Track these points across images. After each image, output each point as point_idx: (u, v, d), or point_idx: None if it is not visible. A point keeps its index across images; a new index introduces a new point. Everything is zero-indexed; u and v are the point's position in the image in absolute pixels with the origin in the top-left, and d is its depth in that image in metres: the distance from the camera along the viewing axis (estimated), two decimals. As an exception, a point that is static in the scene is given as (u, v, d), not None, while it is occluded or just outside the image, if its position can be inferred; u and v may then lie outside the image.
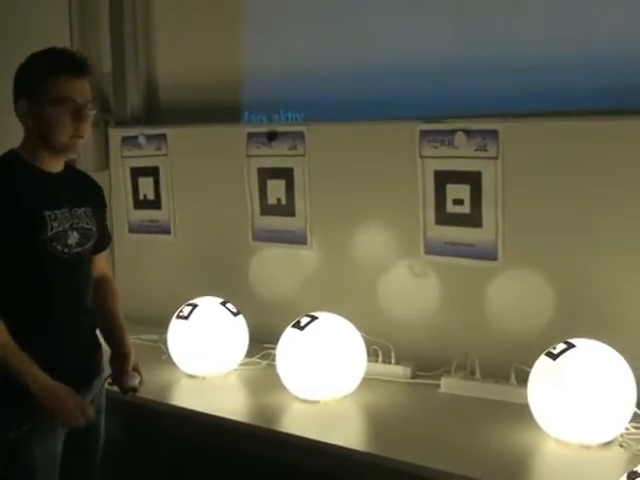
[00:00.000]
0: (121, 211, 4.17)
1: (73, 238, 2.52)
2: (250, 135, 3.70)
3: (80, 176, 2.70)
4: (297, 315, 3.07)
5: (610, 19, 2.95)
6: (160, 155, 4.02)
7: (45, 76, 2.42)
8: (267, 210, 3.69)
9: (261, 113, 3.89)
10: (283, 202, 3.63)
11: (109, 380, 2.68)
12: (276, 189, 3.65)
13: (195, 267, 3.95)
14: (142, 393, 2.75)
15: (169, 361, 3.35)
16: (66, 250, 2.50)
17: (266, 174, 3.67)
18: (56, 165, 2.54)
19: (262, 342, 3.40)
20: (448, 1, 3.33)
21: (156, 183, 4.06)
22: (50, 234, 2.45)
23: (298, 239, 3.61)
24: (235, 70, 3.95)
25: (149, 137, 4.04)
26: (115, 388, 2.68)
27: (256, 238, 3.75)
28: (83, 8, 4.32)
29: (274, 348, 3.14)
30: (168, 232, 4.05)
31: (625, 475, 1.76)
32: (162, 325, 3.47)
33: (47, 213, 2.46)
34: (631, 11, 2.90)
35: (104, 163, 4.22)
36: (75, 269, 2.56)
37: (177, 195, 4.01)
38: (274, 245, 3.71)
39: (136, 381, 2.65)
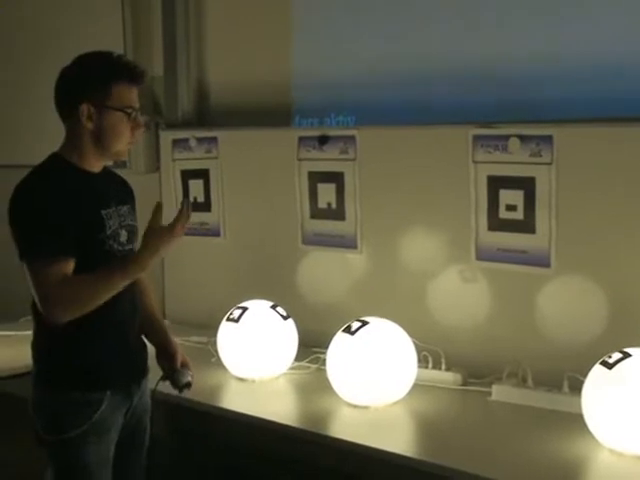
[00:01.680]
0: (171, 214, 4.16)
1: (124, 236, 2.56)
2: (301, 139, 3.70)
3: (115, 175, 2.73)
4: (346, 320, 3.06)
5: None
6: (210, 158, 4.04)
7: (111, 82, 2.45)
8: (317, 214, 3.69)
9: (312, 117, 3.88)
10: (333, 206, 3.63)
11: (161, 378, 2.69)
12: (327, 193, 3.64)
13: (244, 270, 3.95)
14: (191, 395, 2.78)
15: (218, 364, 3.36)
16: (120, 248, 2.54)
17: (317, 178, 3.67)
18: (99, 166, 2.57)
19: (311, 346, 3.41)
20: (501, 5, 3.29)
21: (206, 185, 4.08)
22: (108, 233, 2.49)
23: (348, 243, 3.60)
24: (286, 73, 3.95)
25: (200, 140, 4.05)
26: (168, 387, 2.69)
27: (306, 242, 3.74)
28: (136, 11, 4.37)
29: (323, 352, 3.15)
30: (218, 234, 4.06)
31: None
32: (211, 328, 3.49)
33: (103, 212, 2.49)
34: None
35: (155, 165, 4.25)
36: None
37: (227, 198, 4.02)
38: (324, 249, 3.70)
39: (189, 377, 2.67)
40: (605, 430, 2.52)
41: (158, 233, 2.44)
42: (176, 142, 4.15)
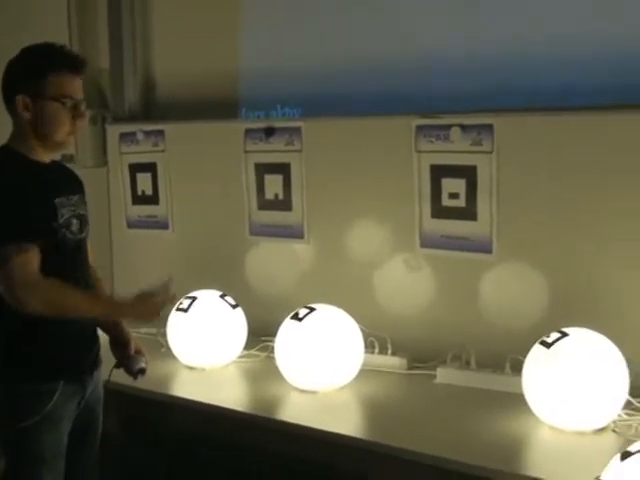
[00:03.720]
0: (119, 207, 4.21)
1: (75, 225, 2.57)
2: (248, 131, 3.75)
3: (64, 167, 2.74)
4: (295, 308, 3.12)
5: (606, 19, 2.98)
6: (158, 151, 4.07)
7: (46, 72, 2.46)
8: (264, 205, 3.74)
9: (259, 109, 3.93)
10: (280, 197, 3.68)
11: (115, 366, 2.72)
12: (274, 184, 3.70)
13: (193, 261, 3.98)
14: (142, 384, 2.80)
15: (168, 354, 3.40)
16: (72, 237, 2.55)
17: (264, 169, 3.72)
18: (47, 157, 2.59)
19: (260, 335, 3.45)
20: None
21: (154, 179, 4.10)
22: (61, 221, 2.51)
23: (295, 233, 3.66)
24: (233, 66, 3.99)
25: (147, 133, 4.08)
26: (121, 376, 2.72)
27: (253, 232, 3.80)
28: (81, 5, 4.38)
29: (272, 340, 3.20)
30: (166, 227, 4.09)
31: (618, 455, 1.81)
32: (160, 319, 3.49)
33: (57, 201, 2.51)
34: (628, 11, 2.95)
35: (102, 159, 4.26)
36: (80, 255, 2.62)
37: (175, 191, 4.05)
38: (271, 239, 3.75)
39: (142, 363, 2.70)
40: (544, 407, 2.61)
41: (151, 304, 2.55)
42: (123, 136, 4.17)
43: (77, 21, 4.35)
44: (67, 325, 2.55)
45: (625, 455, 1.77)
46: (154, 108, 4.30)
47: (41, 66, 2.47)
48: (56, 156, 2.67)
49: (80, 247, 2.61)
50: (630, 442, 2.36)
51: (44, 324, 2.48)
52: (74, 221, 2.57)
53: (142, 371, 2.72)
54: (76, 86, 2.51)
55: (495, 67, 3.19)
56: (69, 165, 2.81)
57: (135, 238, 4.21)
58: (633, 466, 1.73)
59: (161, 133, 4.04)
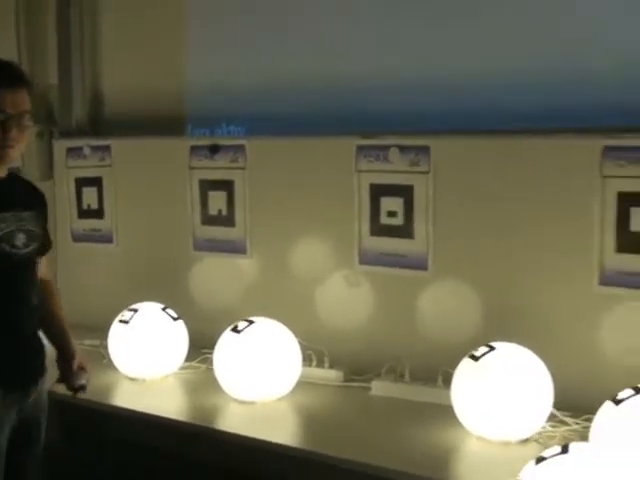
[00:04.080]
0: (65, 220, 4.25)
1: (20, 239, 2.61)
2: (193, 148, 3.83)
3: (24, 182, 2.79)
4: (236, 322, 3.19)
5: (542, 45, 3.11)
6: (104, 166, 4.13)
7: None
8: (208, 220, 3.81)
9: (204, 127, 4.01)
10: (224, 213, 3.76)
11: (58, 380, 2.77)
12: (217, 200, 3.77)
13: (137, 275, 4.04)
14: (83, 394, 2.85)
15: (110, 365, 3.44)
16: (14, 251, 2.59)
17: (208, 186, 3.80)
18: (1, 172, 2.63)
19: (201, 347, 3.51)
20: (385, 21, 3.47)
21: (100, 193, 4.16)
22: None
23: (238, 249, 3.74)
24: (179, 84, 4.07)
25: (94, 148, 4.14)
26: (64, 388, 2.77)
27: (197, 248, 3.87)
28: (30, 20, 4.42)
29: (212, 353, 3.26)
30: (110, 241, 4.15)
31: (534, 460, 1.91)
32: (103, 331, 3.56)
33: None
34: (552, 34, 3.08)
35: (48, 173, 4.30)
36: (22, 270, 2.65)
37: (120, 205, 4.11)
38: (215, 254, 3.83)
39: (83, 379, 2.75)
40: (472, 419, 2.71)
41: None
42: (70, 150, 4.22)
43: (25, 37, 4.39)
44: (8, 334, 2.60)
45: (539, 460, 1.87)
46: (101, 123, 4.36)
47: None
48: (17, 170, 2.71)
49: (25, 262, 2.65)
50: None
51: None
52: (19, 235, 2.61)
53: (82, 388, 2.78)
54: (9, 99, 2.52)
55: (433, 91, 3.30)
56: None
57: (80, 251, 4.26)
58: (546, 470, 1.83)
59: (108, 148, 4.10)
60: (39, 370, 2.75)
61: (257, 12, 3.81)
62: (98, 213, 4.16)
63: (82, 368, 2.79)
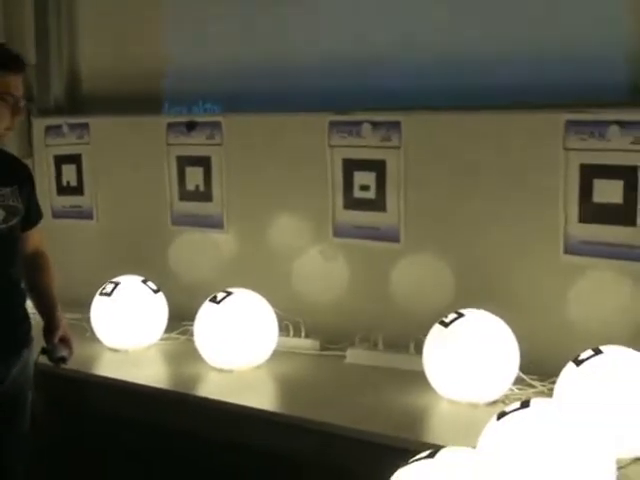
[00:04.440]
0: (45, 197, 4.30)
1: (0, 215, 2.69)
2: (170, 125, 3.91)
3: (6, 157, 2.86)
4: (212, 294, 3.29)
5: (510, 21, 3.21)
6: (83, 143, 4.20)
7: None
8: (186, 196, 3.90)
9: (181, 105, 4.09)
10: (201, 188, 3.85)
11: (41, 351, 2.84)
12: (195, 176, 3.86)
13: (116, 251, 4.12)
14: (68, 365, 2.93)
15: (92, 337, 3.53)
16: None
17: (185, 162, 3.88)
18: None
19: (180, 319, 3.62)
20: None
21: (79, 170, 4.24)
22: None
23: (215, 223, 3.83)
24: (156, 62, 4.14)
25: (72, 126, 4.21)
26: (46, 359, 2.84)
27: (175, 222, 3.96)
28: (7, 0, 4.47)
29: (192, 325, 3.36)
30: (91, 217, 4.23)
31: (496, 415, 2.03)
32: (84, 305, 3.64)
33: None
34: (531, 15, 3.18)
35: (28, 151, 4.36)
36: (2, 243, 2.73)
37: (99, 182, 4.19)
38: (192, 229, 3.92)
39: (65, 351, 2.82)
40: (442, 382, 2.83)
41: None
42: (49, 128, 4.29)
43: (2, 15, 4.44)
44: None
45: (501, 415, 1.98)
46: (79, 102, 4.42)
47: None
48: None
49: (7, 236, 2.73)
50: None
51: None
52: None
53: (62, 359, 2.82)
54: (16, 83, 2.64)
55: (403, 68, 3.40)
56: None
57: (60, 228, 4.32)
58: (507, 423, 1.95)
59: (86, 126, 4.17)
60: (22, 340, 2.84)
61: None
62: (77, 190, 4.24)
63: (65, 340, 2.86)
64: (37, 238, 2.95)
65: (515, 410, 1.96)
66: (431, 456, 1.68)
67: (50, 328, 2.86)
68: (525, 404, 1.96)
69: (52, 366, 2.89)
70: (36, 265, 2.92)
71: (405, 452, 2.50)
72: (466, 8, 3.31)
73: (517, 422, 1.93)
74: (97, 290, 3.60)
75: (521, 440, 1.89)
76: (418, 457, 1.71)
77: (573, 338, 2.92)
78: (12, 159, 2.90)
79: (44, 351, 2.83)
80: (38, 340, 2.88)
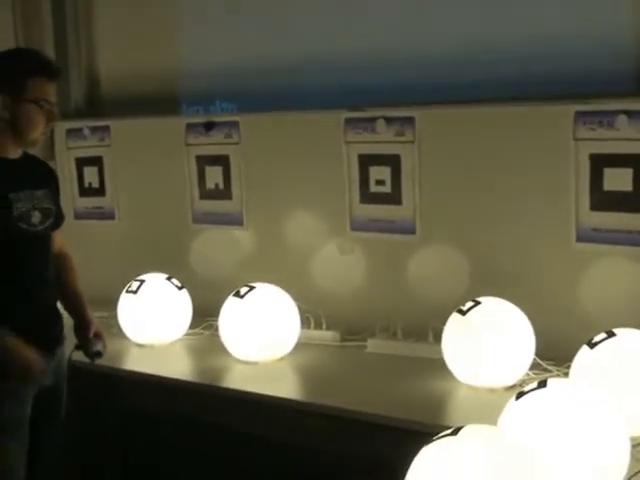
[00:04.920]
0: (67, 199, 4.41)
1: (36, 217, 2.80)
2: (189, 126, 4.01)
3: (37, 161, 2.98)
4: (235, 290, 3.38)
5: (523, 16, 3.29)
6: (104, 146, 4.31)
7: (27, 76, 2.69)
8: (206, 194, 4.00)
9: (198, 104, 4.19)
10: (221, 187, 3.95)
11: (75, 347, 2.95)
12: (214, 175, 3.96)
13: (138, 250, 4.22)
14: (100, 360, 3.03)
15: (119, 334, 3.63)
16: (31, 228, 2.78)
17: (204, 161, 3.98)
18: (16, 153, 2.82)
19: (203, 315, 3.72)
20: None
21: (100, 172, 4.34)
22: (15, 214, 2.73)
23: (235, 220, 3.93)
24: (173, 64, 4.25)
25: (93, 129, 4.31)
26: (82, 355, 2.95)
27: (196, 221, 4.06)
28: (26, 3, 4.57)
29: (215, 320, 3.47)
30: (112, 217, 4.33)
31: (514, 395, 2.12)
32: (109, 303, 3.73)
33: (11, 195, 2.74)
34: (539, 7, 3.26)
35: (50, 154, 4.46)
36: (39, 245, 2.84)
37: (120, 183, 4.30)
38: (213, 227, 4.02)
39: (99, 346, 2.93)
40: (461, 368, 2.92)
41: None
42: (70, 131, 4.39)
43: (22, 19, 4.54)
44: (22, 304, 2.77)
45: (519, 395, 2.08)
46: (99, 104, 4.53)
47: (21, 71, 2.70)
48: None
49: (42, 237, 2.84)
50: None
51: (6, 299, 2.72)
52: (35, 213, 2.79)
53: (98, 354, 2.93)
54: (52, 90, 2.75)
55: (417, 63, 3.49)
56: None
57: (83, 228, 4.42)
58: (525, 402, 2.04)
59: (107, 129, 4.27)
60: (57, 339, 2.93)
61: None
62: (99, 191, 4.34)
63: (98, 335, 2.97)
64: (61, 239, 3.06)
65: (533, 390, 2.05)
66: (454, 433, 1.77)
67: (82, 325, 2.96)
68: (542, 384, 2.05)
69: (84, 362, 2.99)
70: (63, 266, 3.03)
71: (428, 435, 2.61)
72: (472, 4, 3.38)
73: (535, 401, 2.02)
74: (120, 288, 3.69)
75: (539, 418, 1.98)
76: (441, 435, 1.80)
77: (586, 323, 3.00)
78: (42, 163, 3.01)
79: (79, 347, 2.93)
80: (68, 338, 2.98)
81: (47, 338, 2.88)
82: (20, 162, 2.84)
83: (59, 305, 3.00)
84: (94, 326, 2.97)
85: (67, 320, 3.02)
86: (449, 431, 1.80)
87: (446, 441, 1.76)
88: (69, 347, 2.97)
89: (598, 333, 2.66)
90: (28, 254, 2.80)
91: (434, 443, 1.79)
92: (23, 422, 2.80)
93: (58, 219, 2.97)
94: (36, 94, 2.71)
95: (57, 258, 2.99)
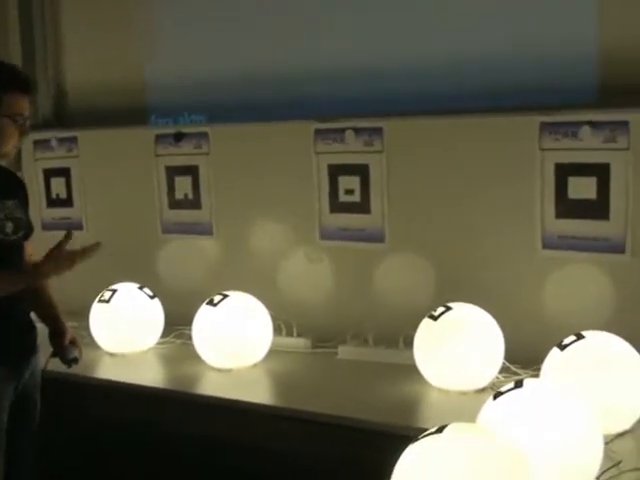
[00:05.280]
0: (35, 210, 4.38)
1: (9, 227, 2.80)
2: (158, 136, 4.04)
3: (6, 172, 2.96)
4: (206, 299, 3.42)
5: (490, 28, 3.38)
6: (72, 157, 4.32)
7: (3, 91, 2.68)
8: (175, 204, 4.04)
9: (167, 116, 4.22)
10: (190, 197, 3.98)
11: (52, 355, 2.96)
12: (183, 185, 4.00)
13: (107, 260, 4.16)
14: (68, 370, 3.04)
15: (91, 343, 3.63)
16: (4, 238, 2.79)
17: (173, 172, 4.02)
18: None
19: (174, 324, 3.75)
20: (336, 10, 3.71)
21: (68, 183, 4.35)
22: None
23: (204, 230, 3.97)
24: (141, 76, 4.29)
25: (60, 140, 4.33)
26: (58, 363, 2.96)
27: (165, 230, 4.09)
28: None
29: (186, 329, 3.52)
30: (80, 228, 4.34)
31: (492, 396, 2.19)
32: (78, 313, 3.72)
33: None
34: (506, 21, 3.35)
35: (17, 165, 4.44)
36: (12, 256, 2.85)
37: (89, 193, 4.31)
38: (182, 236, 4.05)
39: (76, 352, 2.96)
40: (433, 372, 2.98)
41: (61, 259, 2.76)
42: (37, 143, 4.40)
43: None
44: (1, 316, 2.79)
45: (497, 395, 2.14)
46: (66, 116, 4.54)
47: None
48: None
49: (16, 247, 2.85)
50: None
51: None
52: (8, 224, 2.80)
53: (75, 360, 2.97)
54: (26, 105, 2.75)
55: (385, 75, 3.57)
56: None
57: (50, 239, 4.38)
58: (503, 402, 2.11)
59: (74, 140, 4.29)
60: (32, 349, 2.94)
61: (215, 3, 4.04)
62: (67, 202, 4.35)
63: (73, 342, 3.00)
64: (31, 249, 3.06)
65: (510, 390, 2.12)
66: (439, 431, 1.83)
67: (57, 333, 2.98)
68: (519, 384, 2.12)
69: (57, 371, 3.01)
70: None
71: (404, 437, 2.66)
72: (442, 16, 3.47)
73: (513, 400, 2.09)
74: (89, 298, 3.70)
75: (517, 416, 2.04)
76: (427, 433, 1.86)
77: (552, 327, 3.08)
78: (11, 173, 3.00)
79: (55, 354, 2.95)
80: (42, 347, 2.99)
81: (23, 347, 2.89)
82: None
83: (32, 315, 3.01)
84: (69, 333, 2.99)
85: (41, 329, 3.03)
86: (434, 429, 1.85)
87: (432, 439, 1.81)
88: (43, 356, 2.98)
89: (564, 336, 2.73)
90: (2, 263, 2.80)
91: (420, 442, 1.84)
92: (1, 430, 2.80)
93: (28, 230, 2.98)
94: (12, 109, 2.70)
95: None
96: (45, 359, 2.96)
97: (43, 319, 3.03)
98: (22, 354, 2.89)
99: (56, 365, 2.99)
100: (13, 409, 2.84)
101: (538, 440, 2.00)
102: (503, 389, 2.15)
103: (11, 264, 2.84)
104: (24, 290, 2.89)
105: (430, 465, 1.78)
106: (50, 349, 2.99)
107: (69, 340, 2.98)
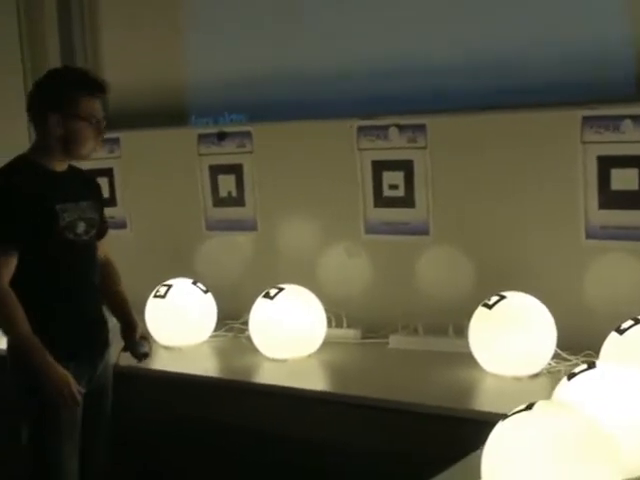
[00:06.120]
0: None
1: (81, 227, 2.92)
2: (200, 136, 4.14)
3: (81, 174, 3.09)
4: (252, 294, 3.55)
5: (530, 25, 3.48)
6: (114, 157, 4.42)
7: (79, 95, 2.83)
8: (219, 202, 4.14)
9: (207, 116, 4.32)
10: (234, 194, 4.09)
11: (123, 349, 3.07)
12: (227, 183, 4.10)
13: (151, 258, 4.34)
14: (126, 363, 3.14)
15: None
16: (77, 238, 2.90)
17: (217, 170, 4.13)
18: (63, 166, 2.95)
19: (223, 318, 3.86)
20: (383, 9, 3.79)
21: (111, 183, 4.45)
22: (62, 224, 2.85)
23: (248, 227, 4.08)
24: (181, 76, 4.40)
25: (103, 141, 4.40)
26: (129, 357, 3.07)
27: (209, 228, 4.19)
28: (31, 19, 4.67)
29: (237, 322, 3.64)
30: (124, 227, 4.44)
31: (566, 377, 2.30)
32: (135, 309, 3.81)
33: (58, 207, 2.85)
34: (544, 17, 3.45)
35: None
36: (84, 254, 2.96)
37: (132, 193, 4.42)
38: (226, 233, 4.16)
39: (146, 347, 3.07)
40: (488, 359, 3.10)
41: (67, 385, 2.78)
42: (79, 144, 4.49)
43: (28, 35, 4.64)
44: (68, 309, 2.89)
45: (571, 376, 2.26)
46: (108, 117, 4.61)
47: (73, 89, 2.83)
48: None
49: (88, 246, 2.97)
50: (559, 382, 2.88)
51: (47, 309, 2.84)
52: (80, 224, 2.91)
53: (145, 355, 3.09)
54: (99, 107, 2.89)
55: (429, 72, 3.66)
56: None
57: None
58: (578, 382, 2.22)
59: (117, 141, 4.39)
60: (104, 344, 3.06)
61: (255, 2, 4.14)
62: (111, 202, 4.43)
63: (144, 337, 3.11)
64: (106, 247, 3.17)
65: (583, 371, 2.23)
66: (529, 408, 1.94)
67: (129, 327, 3.09)
68: (591, 365, 2.24)
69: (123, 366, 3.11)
70: (108, 272, 3.14)
71: (461, 420, 2.79)
72: (488, 13, 3.57)
73: (587, 380, 2.20)
74: (136, 295, 3.78)
75: (592, 395, 2.16)
76: (517, 410, 1.97)
77: (598, 314, 3.21)
78: (86, 175, 3.12)
79: (126, 349, 3.06)
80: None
81: (96, 343, 3.01)
82: (66, 175, 2.96)
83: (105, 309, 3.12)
84: (140, 329, 3.10)
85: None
86: (523, 406, 1.96)
87: (523, 415, 1.93)
88: (114, 350, 3.09)
89: (608, 323, 2.85)
90: (75, 263, 2.92)
91: (509, 419, 1.95)
92: (76, 425, 2.92)
93: (102, 229, 3.09)
94: (87, 112, 2.84)
95: (103, 266, 3.11)
96: (117, 353, 3.07)
97: (115, 314, 3.14)
98: (95, 348, 3.00)
99: (127, 360, 3.10)
100: (87, 403, 2.91)
101: (618, 418, 2.11)
102: (576, 370, 2.26)
103: (82, 264, 2.96)
104: (95, 285, 3.01)
105: (523, 440, 1.89)
106: (121, 344, 3.09)
107: (140, 335, 3.09)
